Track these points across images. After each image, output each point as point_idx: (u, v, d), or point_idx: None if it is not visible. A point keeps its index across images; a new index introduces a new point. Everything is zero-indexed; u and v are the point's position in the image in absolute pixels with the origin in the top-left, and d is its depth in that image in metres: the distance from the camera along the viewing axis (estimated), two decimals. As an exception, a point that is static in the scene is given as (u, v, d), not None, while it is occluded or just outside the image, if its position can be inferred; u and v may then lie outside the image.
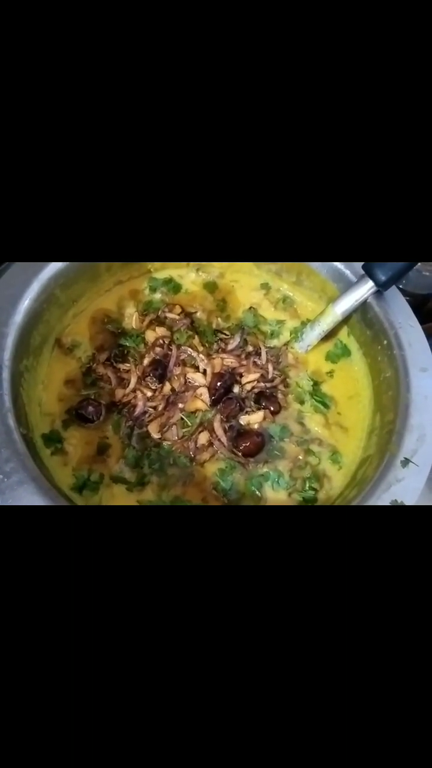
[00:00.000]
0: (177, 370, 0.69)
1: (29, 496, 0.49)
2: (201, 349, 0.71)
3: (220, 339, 0.74)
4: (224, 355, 0.71)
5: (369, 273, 0.67)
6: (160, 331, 0.72)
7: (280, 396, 0.70)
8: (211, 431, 0.66)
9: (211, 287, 0.80)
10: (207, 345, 0.73)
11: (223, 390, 0.68)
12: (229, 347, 0.73)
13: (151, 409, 0.66)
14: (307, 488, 0.64)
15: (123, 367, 0.69)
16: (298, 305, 0.80)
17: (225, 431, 0.66)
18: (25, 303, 0.63)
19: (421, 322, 0.72)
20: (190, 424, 0.66)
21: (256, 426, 0.67)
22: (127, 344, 0.71)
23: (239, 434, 0.66)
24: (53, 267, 0.66)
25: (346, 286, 0.72)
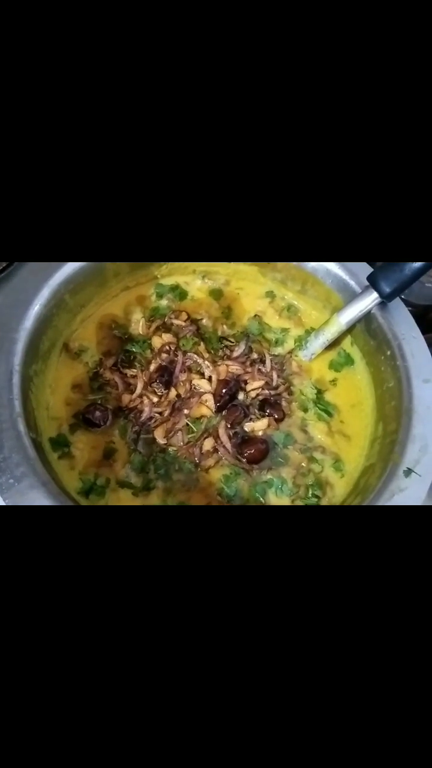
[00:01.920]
0: (183, 377, 0.70)
1: (40, 500, 0.50)
2: (206, 355, 0.72)
3: (226, 346, 0.75)
4: (229, 362, 0.72)
5: (373, 284, 0.68)
6: (167, 337, 0.73)
7: (284, 404, 0.71)
8: (216, 438, 0.66)
9: (216, 294, 0.81)
10: (212, 352, 0.74)
11: (228, 397, 0.69)
12: (234, 354, 0.74)
13: (157, 415, 0.67)
14: (309, 495, 0.65)
15: (129, 372, 0.70)
16: (303, 314, 0.81)
17: (230, 438, 0.67)
18: (35, 308, 0.63)
19: (423, 332, 0.73)
20: (195, 430, 0.67)
21: (260, 433, 0.68)
22: (134, 350, 0.72)
23: (244, 441, 0.67)
24: (63, 273, 0.67)
25: (351, 296, 0.73)
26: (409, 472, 0.58)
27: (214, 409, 0.68)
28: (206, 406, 0.68)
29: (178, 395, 0.69)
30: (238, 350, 0.74)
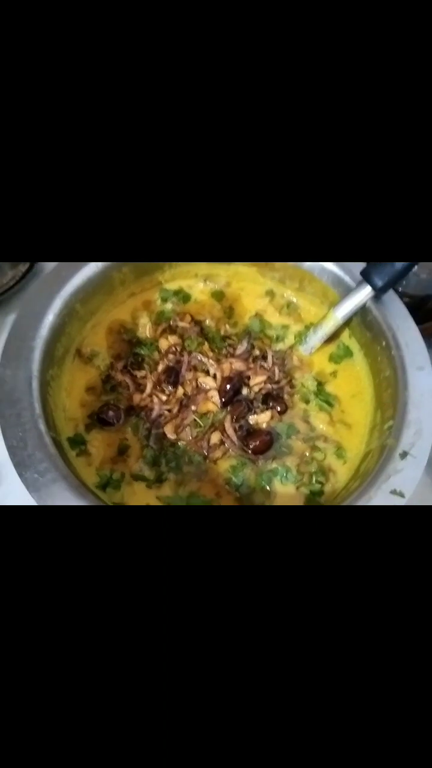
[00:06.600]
0: (189, 375, 0.74)
1: (62, 492, 0.55)
2: (211, 354, 0.76)
3: (229, 344, 0.78)
4: (233, 360, 0.76)
5: (367, 278, 0.71)
6: (173, 339, 0.77)
7: (286, 396, 0.75)
8: (223, 431, 0.70)
9: (218, 296, 0.85)
10: (216, 351, 0.77)
11: (232, 392, 0.73)
12: (237, 352, 0.77)
13: (166, 412, 0.71)
14: (313, 482, 0.68)
15: (139, 373, 0.74)
16: (302, 310, 0.84)
17: (235, 431, 0.70)
18: (49, 318, 0.68)
19: (420, 321, 0.76)
20: (202, 424, 0.71)
21: (264, 425, 0.72)
22: (142, 352, 0.77)
23: (249, 433, 0.71)
24: (73, 284, 0.72)
25: (346, 291, 0.76)
26: (404, 454, 0.61)
27: (219, 405, 0.72)
28: (212, 402, 0.72)
29: (186, 393, 0.73)
30: (241, 348, 0.78)
